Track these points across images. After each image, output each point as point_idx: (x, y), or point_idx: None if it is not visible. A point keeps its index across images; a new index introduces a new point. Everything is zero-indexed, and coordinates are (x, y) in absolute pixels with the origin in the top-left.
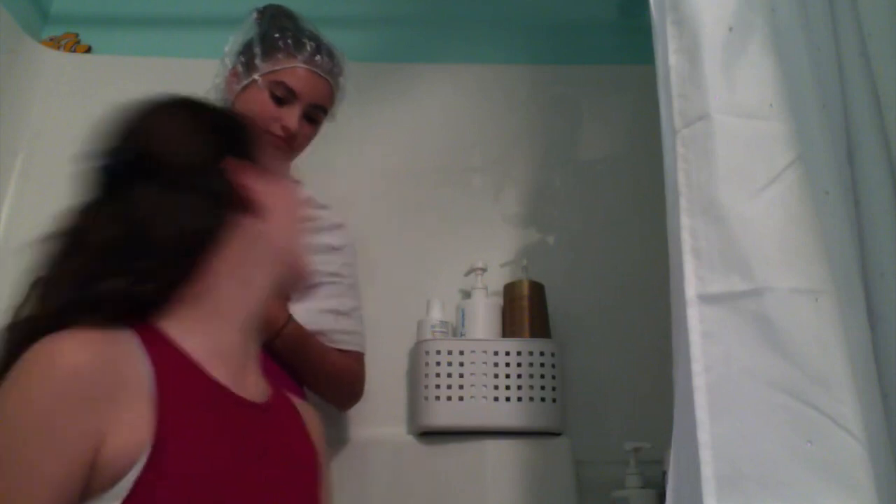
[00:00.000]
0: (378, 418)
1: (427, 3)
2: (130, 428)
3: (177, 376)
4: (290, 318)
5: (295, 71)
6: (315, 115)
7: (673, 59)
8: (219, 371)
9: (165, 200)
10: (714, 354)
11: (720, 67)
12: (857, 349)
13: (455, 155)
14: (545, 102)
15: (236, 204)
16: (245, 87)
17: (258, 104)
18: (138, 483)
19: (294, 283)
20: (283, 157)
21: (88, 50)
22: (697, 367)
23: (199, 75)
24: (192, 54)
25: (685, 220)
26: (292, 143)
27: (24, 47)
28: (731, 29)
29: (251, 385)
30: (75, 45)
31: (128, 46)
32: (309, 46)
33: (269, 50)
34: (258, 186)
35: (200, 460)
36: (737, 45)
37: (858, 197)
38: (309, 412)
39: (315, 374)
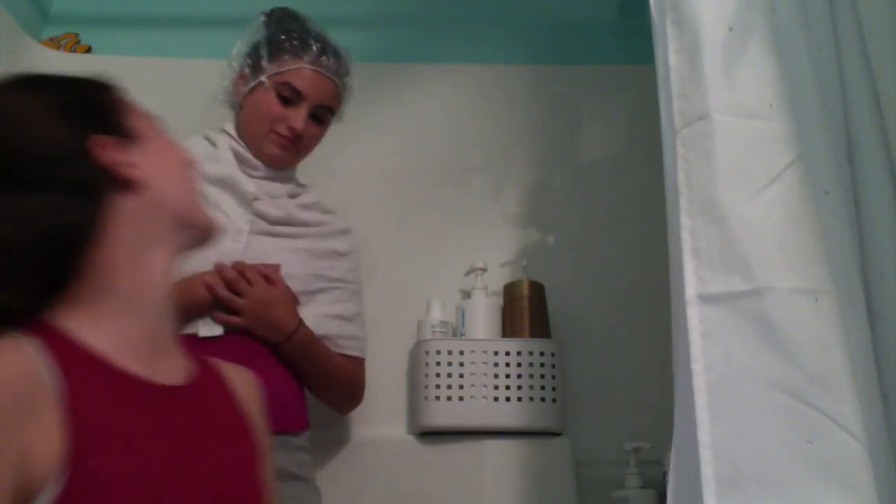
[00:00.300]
0: (378, 418)
1: (427, 3)
2: (45, 440)
3: (85, 376)
4: (300, 322)
5: (301, 72)
6: (322, 115)
7: (673, 59)
8: (130, 362)
9: (20, 203)
10: (714, 354)
11: (720, 67)
12: (857, 349)
13: (455, 155)
14: (545, 102)
15: (110, 186)
16: (252, 89)
17: (265, 105)
18: (65, 493)
19: (200, 240)
20: (290, 156)
21: (88, 50)
22: (697, 367)
23: (199, 75)
24: (191, 54)
25: (685, 220)
26: (299, 144)
27: (24, 47)
28: (731, 29)
29: (169, 369)
30: (75, 45)
31: (128, 46)
32: (315, 47)
33: (276, 52)
34: (130, 159)
35: (125, 457)
36: (737, 45)
37: (858, 197)
38: (242, 377)
39: (319, 379)
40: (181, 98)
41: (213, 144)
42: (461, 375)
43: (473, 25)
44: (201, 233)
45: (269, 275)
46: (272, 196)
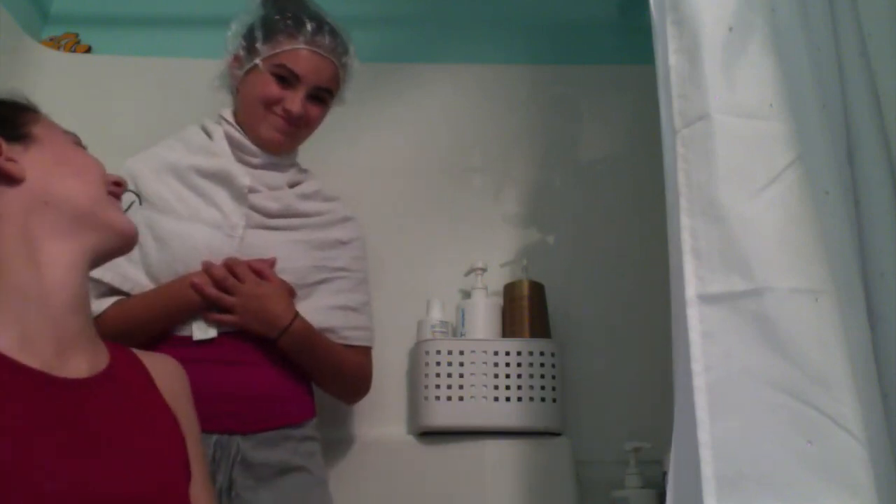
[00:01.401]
0: (378, 418)
1: (427, 3)
2: None
3: None
4: (295, 315)
5: (296, 52)
6: (321, 96)
7: (673, 59)
8: (29, 356)
9: None
10: (714, 354)
11: (720, 67)
12: (857, 349)
13: (455, 155)
14: (545, 102)
15: None
16: (248, 72)
17: (260, 87)
18: None
19: (113, 243)
20: (290, 140)
21: (88, 50)
22: (697, 367)
23: (199, 75)
24: (191, 54)
25: (685, 220)
26: (298, 125)
27: (24, 47)
28: (731, 29)
29: (78, 363)
30: (75, 45)
31: (128, 46)
32: (310, 26)
33: (270, 32)
34: (12, 156)
35: (12, 451)
36: (737, 45)
37: (858, 197)
38: (165, 367)
39: (322, 372)
40: (181, 98)
41: (209, 135)
42: (461, 375)
43: (473, 25)
44: (111, 234)
45: (261, 269)
46: (271, 187)
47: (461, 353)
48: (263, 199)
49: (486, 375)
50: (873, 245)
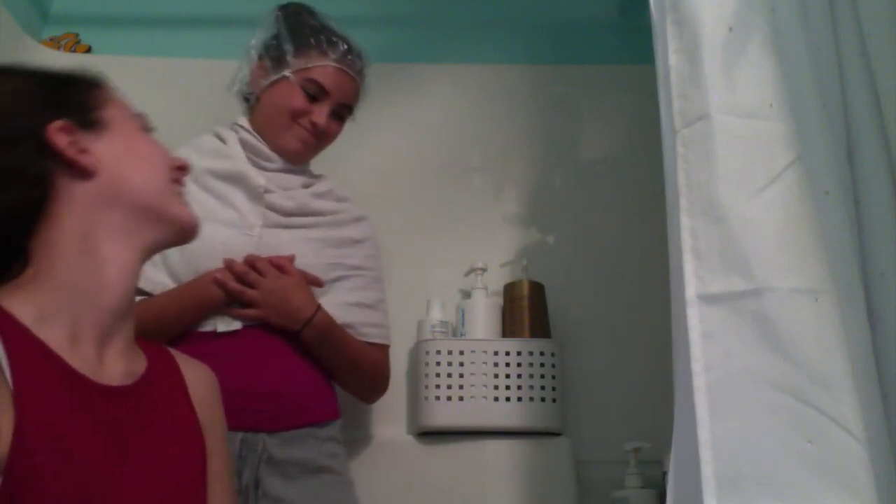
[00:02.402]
0: (378, 418)
1: (427, 3)
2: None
3: (34, 368)
4: (318, 307)
5: (326, 69)
6: (342, 113)
7: (673, 59)
8: (74, 357)
9: None
10: (714, 354)
11: (720, 67)
12: (857, 349)
13: (455, 155)
14: (545, 102)
15: (62, 171)
16: (274, 83)
17: (288, 99)
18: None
19: (174, 236)
20: (310, 152)
21: (88, 50)
22: (697, 366)
23: (199, 75)
24: (191, 54)
25: (685, 220)
26: (320, 139)
27: (24, 47)
28: (731, 29)
29: (116, 367)
30: (75, 45)
31: (128, 46)
32: (341, 46)
33: (301, 47)
34: (86, 146)
35: (63, 458)
36: (737, 45)
37: (858, 197)
38: (199, 374)
39: (342, 366)
40: (181, 98)
41: (223, 141)
42: (461, 375)
43: (473, 25)
44: (174, 228)
45: (282, 264)
46: (285, 188)
47: (461, 353)
48: (278, 199)
49: (486, 375)
50: (873, 245)
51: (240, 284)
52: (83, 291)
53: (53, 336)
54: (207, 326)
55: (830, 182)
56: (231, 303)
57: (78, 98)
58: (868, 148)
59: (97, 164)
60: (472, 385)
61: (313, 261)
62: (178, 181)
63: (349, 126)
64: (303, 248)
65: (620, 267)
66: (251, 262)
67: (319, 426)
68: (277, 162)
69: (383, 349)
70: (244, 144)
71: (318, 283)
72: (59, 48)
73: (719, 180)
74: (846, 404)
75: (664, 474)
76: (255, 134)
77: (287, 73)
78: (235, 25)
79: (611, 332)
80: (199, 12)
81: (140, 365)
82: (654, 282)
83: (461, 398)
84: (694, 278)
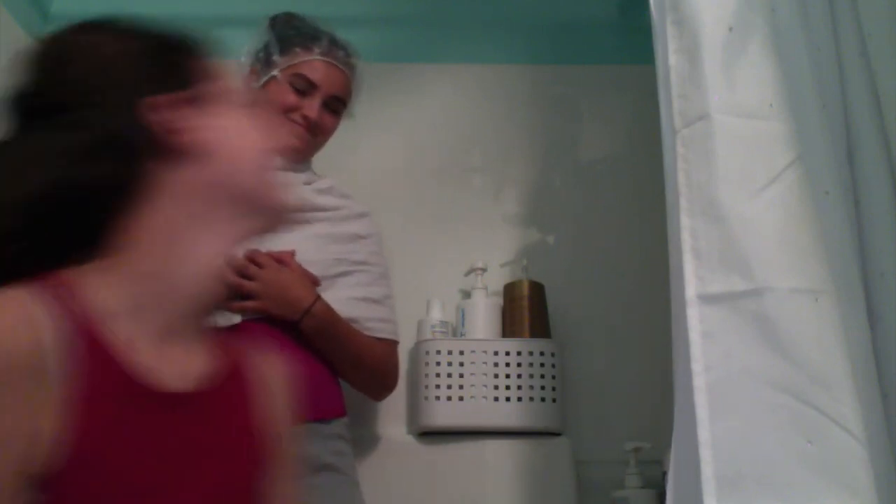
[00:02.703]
0: (378, 418)
1: (427, 3)
2: (48, 428)
3: (96, 365)
4: (317, 297)
5: (313, 63)
6: (334, 106)
7: (673, 59)
8: (142, 354)
9: (42, 145)
10: (714, 354)
11: (720, 67)
12: (857, 349)
13: (455, 155)
14: (545, 102)
15: (159, 149)
16: (264, 85)
17: (278, 97)
18: (54, 495)
19: (273, 223)
20: (307, 147)
21: None
22: (697, 366)
23: None
24: None
25: (685, 220)
26: (315, 133)
27: (24, 47)
28: (731, 29)
29: (183, 368)
30: None
31: None
32: (325, 39)
33: (287, 46)
34: (199, 125)
35: (118, 467)
36: (737, 45)
37: (858, 197)
38: (273, 369)
39: (347, 361)
40: None
41: None
42: (461, 375)
43: (473, 25)
44: (271, 218)
45: (282, 257)
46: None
47: (461, 353)
48: None
49: (486, 375)
50: (873, 245)
51: (239, 277)
52: (166, 284)
53: (124, 333)
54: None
55: (830, 182)
56: (231, 297)
57: (187, 69)
58: (868, 148)
59: (200, 144)
60: (472, 385)
61: (315, 256)
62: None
63: (349, 126)
64: (305, 244)
65: (620, 267)
66: (251, 256)
67: (323, 423)
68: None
69: (391, 345)
70: None
71: (316, 281)
72: None
73: (719, 180)
74: (846, 404)
75: (664, 474)
76: None
77: (275, 72)
78: (235, 25)
79: (611, 332)
80: (199, 12)
81: (209, 364)
82: (654, 282)
83: (461, 398)
84: (694, 278)
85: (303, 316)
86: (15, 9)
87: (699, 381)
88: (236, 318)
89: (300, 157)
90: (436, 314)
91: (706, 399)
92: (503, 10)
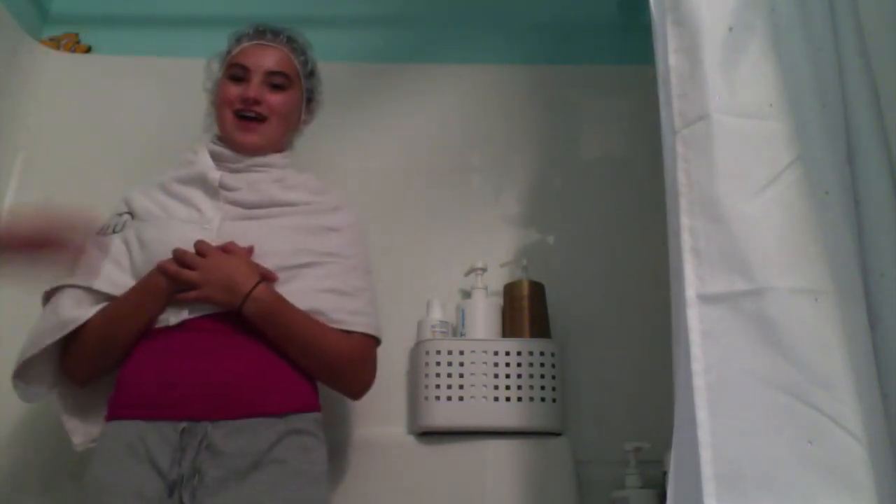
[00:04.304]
0: (378, 418)
1: (427, 3)
2: None
3: None
4: (259, 281)
5: (243, 50)
6: (277, 81)
7: (673, 59)
8: None
9: None
10: (714, 354)
11: (720, 67)
12: (857, 349)
13: (455, 155)
14: (545, 102)
15: None
16: (214, 91)
17: (222, 92)
18: None
19: None
20: (260, 135)
21: (88, 50)
22: (697, 367)
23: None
24: (191, 54)
25: (685, 220)
26: (263, 115)
27: (24, 47)
28: (731, 29)
29: None
30: (75, 45)
31: (128, 46)
32: (252, 28)
33: (226, 52)
34: None
35: None
36: (737, 45)
37: (858, 197)
38: None
39: (300, 351)
40: (181, 98)
41: (194, 152)
42: (461, 375)
43: (473, 25)
44: None
45: (228, 247)
46: (252, 184)
47: (461, 353)
48: (242, 194)
49: (486, 375)
50: (873, 245)
51: (179, 267)
52: None
53: None
54: (161, 322)
55: (830, 182)
56: (177, 291)
57: None
58: (868, 148)
59: None
60: (472, 385)
61: (276, 246)
62: None
63: (349, 126)
64: (265, 234)
65: (620, 267)
66: (198, 248)
67: (276, 417)
68: (244, 161)
69: (364, 339)
70: (211, 154)
71: (269, 276)
72: (59, 48)
73: (719, 180)
74: (846, 404)
75: (664, 474)
76: (218, 141)
77: (218, 75)
78: (235, 25)
79: (611, 332)
80: (199, 12)
81: None
82: (654, 282)
83: (461, 398)
84: (694, 278)
85: (244, 300)
86: (15, 9)
87: (699, 381)
88: (184, 314)
89: (258, 148)
90: (436, 314)
91: (706, 399)
92: (503, 10)
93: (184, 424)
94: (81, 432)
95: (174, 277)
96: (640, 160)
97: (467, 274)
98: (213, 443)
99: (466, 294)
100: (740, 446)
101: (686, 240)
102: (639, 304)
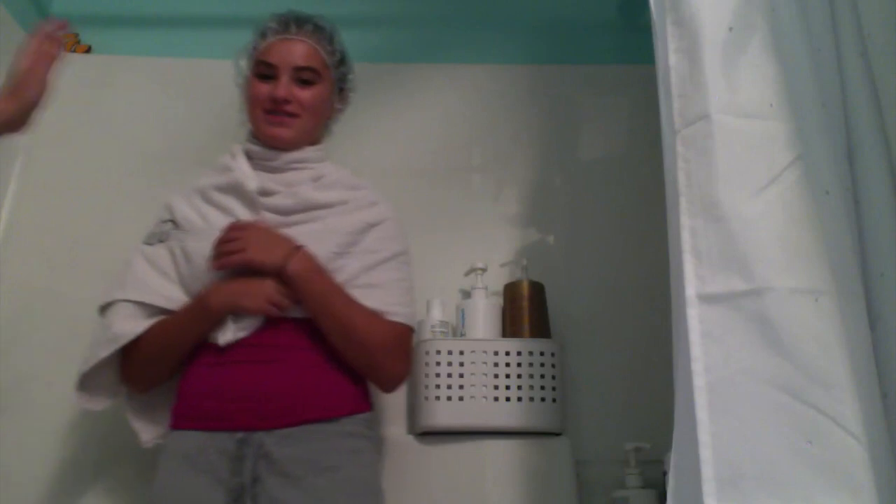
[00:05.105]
0: (378, 418)
1: (427, 3)
2: None
3: None
4: (298, 245)
5: (269, 46)
6: (305, 77)
7: (673, 59)
8: None
9: None
10: (714, 354)
11: (720, 67)
12: (857, 349)
13: (455, 155)
14: (545, 102)
15: None
16: (244, 87)
17: (251, 91)
18: None
19: None
20: (293, 130)
21: (88, 50)
22: (697, 367)
23: (199, 75)
24: (191, 54)
25: (685, 220)
26: (294, 110)
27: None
28: (731, 29)
29: None
30: (75, 45)
31: (128, 46)
32: (276, 22)
33: (251, 48)
34: None
35: None
36: (737, 45)
37: (858, 197)
38: None
39: (342, 331)
40: (181, 97)
41: (233, 155)
42: (461, 375)
43: (473, 25)
44: None
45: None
46: (289, 184)
47: (461, 353)
48: (279, 199)
49: (486, 375)
50: (873, 245)
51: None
52: None
53: None
54: (210, 339)
55: (830, 182)
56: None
57: None
58: (868, 148)
59: None
60: (473, 385)
61: (318, 251)
62: None
63: (349, 126)
64: (306, 240)
65: (620, 267)
66: (233, 225)
67: (329, 422)
68: (279, 158)
69: (398, 326)
70: (247, 154)
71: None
72: None
73: (719, 180)
74: (846, 404)
75: (664, 474)
76: (252, 139)
77: (247, 73)
78: (235, 25)
79: (611, 332)
80: (199, 12)
81: None
82: (654, 282)
83: (461, 398)
84: (694, 278)
85: (287, 259)
86: (15, 8)
87: (699, 381)
88: (229, 336)
89: (291, 142)
90: (436, 314)
91: (706, 399)
92: (503, 10)
93: (240, 434)
94: (148, 431)
95: (221, 249)
96: (640, 160)
97: (467, 274)
98: (269, 451)
99: (466, 294)
100: (740, 446)
101: (686, 240)
102: (639, 304)
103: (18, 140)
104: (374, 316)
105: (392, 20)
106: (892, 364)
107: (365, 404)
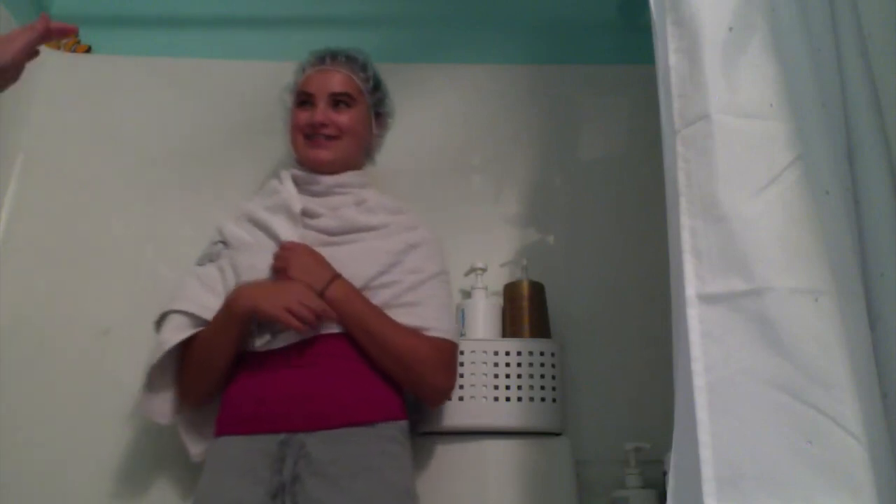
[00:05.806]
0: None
1: (427, 3)
2: None
3: None
4: (337, 274)
5: (307, 78)
6: (342, 101)
7: (673, 59)
8: None
9: None
10: (714, 354)
11: (720, 67)
12: (857, 349)
13: (455, 155)
14: (545, 102)
15: None
16: (288, 120)
17: (293, 118)
18: None
19: None
20: (333, 152)
21: (88, 50)
22: (697, 367)
23: (199, 75)
24: (191, 54)
25: (685, 220)
26: (333, 134)
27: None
28: (731, 29)
29: None
30: (75, 46)
31: (128, 46)
32: (314, 57)
33: (293, 84)
34: None
35: None
36: (737, 45)
37: (858, 197)
38: None
39: (383, 350)
40: (182, 97)
41: (281, 181)
42: (461, 375)
43: (473, 25)
44: None
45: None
46: (334, 208)
47: (461, 353)
48: (324, 221)
49: (486, 375)
50: (873, 245)
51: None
52: None
53: None
54: (248, 347)
55: (830, 182)
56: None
57: None
58: (868, 148)
59: None
60: (473, 385)
61: (360, 271)
62: None
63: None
64: (349, 259)
65: (620, 267)
66: (283, 245)
67: (366, 426)
68: (322, 183)
69: (439, 342)
70: (294, 179)
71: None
72: (59, 48)
73: (719, 180)
74: (846, 404)
75: (664, 474)
76: (297, 165)
77: (289, 105)
78: (236, 25)
79: (611, 332)
80: (199, 12)
81: None
82: (654, 282)
83: (461, 398)
84: (694, 278)
85: (329, 282)
86: (15, 8)
87: (699, 381)
88: (266, 337)
89: (332, 166)
90: None
91: (706, 399)
92: (503, 10)
93: (282, 436)
94: (197, 445)
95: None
96: (640, 160)
97: (467, 274)
98: (310, 452)
99: (466, 294)
100: (740, 446)
101: (686, 240)
102: (639, 304)
103: (19, 140)
104: (414, 333)
105: (392, 20)
106: (892, 364)
107: (402, 413)
